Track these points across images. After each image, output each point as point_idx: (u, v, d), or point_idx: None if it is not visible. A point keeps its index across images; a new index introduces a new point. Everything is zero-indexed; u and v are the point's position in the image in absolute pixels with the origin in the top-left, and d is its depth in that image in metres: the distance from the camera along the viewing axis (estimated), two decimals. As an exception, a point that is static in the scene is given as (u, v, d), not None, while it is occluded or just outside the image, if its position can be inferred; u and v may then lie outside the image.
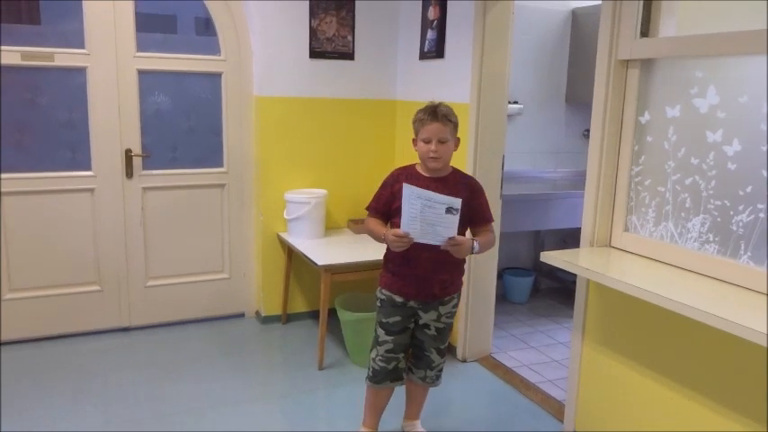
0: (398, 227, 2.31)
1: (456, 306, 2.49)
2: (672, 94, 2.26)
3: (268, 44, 3.65)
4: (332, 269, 3.24)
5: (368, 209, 2.46)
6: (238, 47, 3.74)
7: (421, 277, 2.36)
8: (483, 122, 3.25)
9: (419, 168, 2.38)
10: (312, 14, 3.71)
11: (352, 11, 3.80)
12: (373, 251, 3.23)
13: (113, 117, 3.53)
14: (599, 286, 2.50)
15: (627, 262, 2.37)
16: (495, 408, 3.07)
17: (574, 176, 4.58)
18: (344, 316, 3.34)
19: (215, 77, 3.75)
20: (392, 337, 2.44)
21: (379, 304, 2.49)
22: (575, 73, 4.49)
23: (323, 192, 3.78)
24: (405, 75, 3.93)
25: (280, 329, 3.91)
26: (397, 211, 2.31)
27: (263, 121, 3.74)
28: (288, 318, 3.99)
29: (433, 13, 3.53)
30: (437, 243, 2.24)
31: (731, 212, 2.06)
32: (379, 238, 2.39)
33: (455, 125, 2.31)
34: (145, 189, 3.68)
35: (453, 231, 2.21)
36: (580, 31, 4.42)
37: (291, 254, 3.82)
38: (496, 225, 3.33)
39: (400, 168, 2.44)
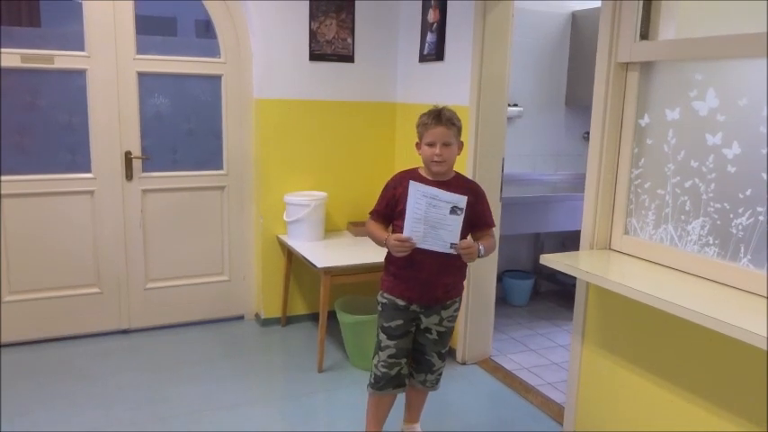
0: (399, 229, 2.31)
1: (457, 310, 2.49)
2: (671, 96, 2.26)
3: (268, 46, 3.66)
4: (331, 271, 3.24)
5: (371, 213, 2.46)
6: (238, 49, 3.75)
7: (424, 281, 2.36)
8: (483, 125, 3.25)
9: (422, 172, 2.38)
10: (312, 17, 3.71)
11: (351, 13, 3.80)
12: (373, 254, 3.23)
13: (113, 119, 3.54)
14: (599, 289, 2.49)
15: (626, 265, 2.37)
16: (495, 410, 3.07)
17: (574, 179, 4.58)
18: (344, 318, 3.34)
19: (215, 80, 3.75)
20: (394, 342, 2.42)
21: (380, 308, 2.47)
22: (574, 75, 4.49)
23: (323, 194, 3.78)
24: (404, 77, 3.94)
25: (279, 332, 3.91)
26: (400, 215, 2.31)
27: (263, 123, 3.74)
28: (287, 320, 3.99)
29: (432, 15, 3.53)
30: (438, 249, 2.23)
31: (731, 215, 2.06)
32: (380, 243, 2.38)
33: (459, 129, 2.32)
34: (145, 191, 3.68)
35: (457, 235, 2.21)
36: (580, 33, 4.43)
37: (291, 256, 3.81)
38: (496, 228, 3.33)
39: (403, 172, 2.44)
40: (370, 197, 2.48)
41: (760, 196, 1.96)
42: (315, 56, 3.76)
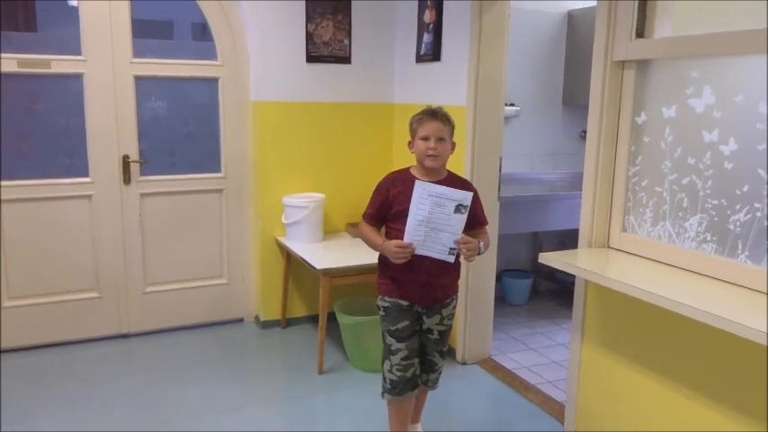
0: (394, 231, 2.30)
1: (455, 307, 2.49)
2: (668, 94, 2.27)
3: (265, 49, 3.66)
4: (330, 273, 3.24)
5: (364, 216, 2.42)
6: (235, 52, 3.75)
7: (424, 283, 2.34)
8: (480, 125, 3.25)
9: (414, 171, 2.35)
10: (308, 19, 3.71)
11: (348, 15, 3.81)
12: (372, 254, 3.21)
13: (110, 123, 3.53)
14: (597, 287, 2.50)
15: (625, 262, 2.37)
16: (495, 410, 3.07)
17: (571, 178, 4.58)
18: (344, 320, 3.34)
19: (212, 83, 3.76)
20: (405, 344, 2.39)
21: (383, 313, 2.43)
22: (571, 74, 4.50)
23: (321, 196, 3.78)
24: (401, 78, 3.94)
25: (279, 334, 3.91)
26: (395, 216, 2.30)
27: (261, 125, 3.74)
28: (287, 322, 3.98)
29: (429, 16, 3.54)
30: (435, 255, 2.22)
31: (728, 212, 2.07)
32: (375, 247, 2.35)
33: (453, 127, 2.31)
34: (143, 195, 3.68)
35: (458, 234, 2.20)
36: (576, 32, 4.43)
37: (290, 258, 3.81)
38: (495, 227, 3.34)
39: (395, 172, 2.41)
40: (369, 198, 2.47)
41: (757, 192, 1.97)
42: (312, 57, 3.76)
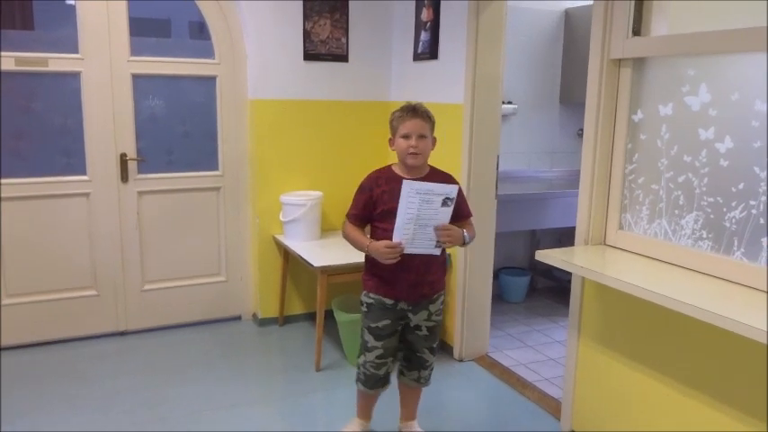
0: (381, 231, 2.30)
1: (443, 303, 2.50)
2: (664, 92, 2.28)
3: (262, 47, 3.66)
4: (328, 270, 3.25)
5: (348, 216, 2.42)
6: (232, 50, 3.75)
7: (413, 282, 2.35)
8: (477, 123, 3.26)
9: (396, 169, 2.35)
10: (306, 17, 3.71)
11: (345, 13, 3.81)
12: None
13: (108, 121, 3.53)
14: (594, 284, 2.51)
15: (622, 259, 2.38)
16: (492, 407, 3.08)
17: (569, 176, 4.59)
18: (341, 317, 3.34)
19: (209, 81, 3.75)
20: (382, 342, 2.42)
21: (365, 309, 2.45)
22: (568, 72, 4.50)
23: (318, 194, 3.79)
24: (399, 76, 3.94)
25: (277, 331, 3.91)
26: (381, 216, 2.30)
27: (258, 123, 3.74)
28: (285, 320, 3.99)
29: (426, 14, 3.54)
30: (425, 251, 2.23)
31: (724, 209, 2.08)
32: (361, 248, 2.36)
33: (433, 123, 2.31)
34: (140, 193, 3.68)
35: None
36: (573, 30, 4.44)
37: (288, 256, 3.82)
38: (492, 225, 3.35)
39: (377, 171, 2.40)
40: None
41: (753, 190, 1.98)
42: (309, 56, 3.76)
